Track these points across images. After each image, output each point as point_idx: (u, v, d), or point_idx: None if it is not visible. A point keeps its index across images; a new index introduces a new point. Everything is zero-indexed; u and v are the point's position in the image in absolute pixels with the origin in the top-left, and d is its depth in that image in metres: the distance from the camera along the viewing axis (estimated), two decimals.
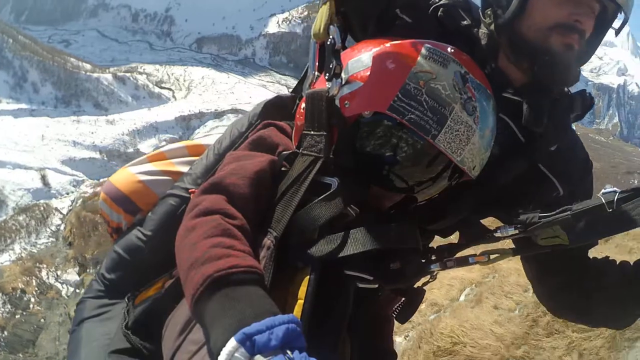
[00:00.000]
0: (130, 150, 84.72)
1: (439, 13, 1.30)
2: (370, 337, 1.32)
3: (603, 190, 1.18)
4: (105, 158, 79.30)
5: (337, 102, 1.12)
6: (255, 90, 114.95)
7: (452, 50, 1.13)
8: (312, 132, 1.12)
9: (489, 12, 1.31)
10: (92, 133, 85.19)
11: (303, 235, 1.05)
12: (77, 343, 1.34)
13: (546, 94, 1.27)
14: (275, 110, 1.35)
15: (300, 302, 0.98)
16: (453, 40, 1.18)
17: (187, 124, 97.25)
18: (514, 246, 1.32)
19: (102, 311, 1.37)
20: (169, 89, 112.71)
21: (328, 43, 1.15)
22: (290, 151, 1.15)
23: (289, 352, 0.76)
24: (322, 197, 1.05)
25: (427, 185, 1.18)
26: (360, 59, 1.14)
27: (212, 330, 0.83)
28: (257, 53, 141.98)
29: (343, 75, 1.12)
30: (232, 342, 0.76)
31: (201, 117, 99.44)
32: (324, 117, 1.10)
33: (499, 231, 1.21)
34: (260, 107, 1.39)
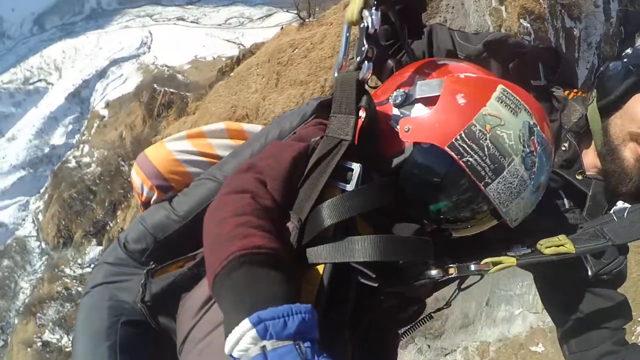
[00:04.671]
0: (47, 150, 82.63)
1: (510, 65, 1.30)
2: (373, 346, 1.29)
3: (615, 208, 1.20)
4: (32, 170, 76.74)
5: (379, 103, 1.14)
6: (122, 36, 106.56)
7: (526, 96, 1.07)
8: (339, 115, 1.10)
9: (593, 94, 1.32)
10: (3, 158, 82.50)
11: (316, 231, 1.02)
12: (89, 306, 1.36)
13: (611, 193, 1.29)
14: (327, 110, 1.27)
15: (313, 288, 0.97)
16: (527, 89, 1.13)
17: (80, 97, 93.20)
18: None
19: (119, 279, 1.36)
20: (41, 80, 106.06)
21: (362, 26, 1.13)
22: (320, 136, 1.13)
23: (300, 342, 0.75)
24: (338, 196, 1.02)
25: (464, 227, 1.16)
26: (431, 83, 1.10)
27: (228, 308, 0.82)
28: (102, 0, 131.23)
29: (409, 93, 1.11)
30: (245, 323, 0.75)
31: (87, 85, 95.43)
32: (353, 101, 1.08)
33: (512, 251, 1.19)
34: (312, 107, 1.38)
